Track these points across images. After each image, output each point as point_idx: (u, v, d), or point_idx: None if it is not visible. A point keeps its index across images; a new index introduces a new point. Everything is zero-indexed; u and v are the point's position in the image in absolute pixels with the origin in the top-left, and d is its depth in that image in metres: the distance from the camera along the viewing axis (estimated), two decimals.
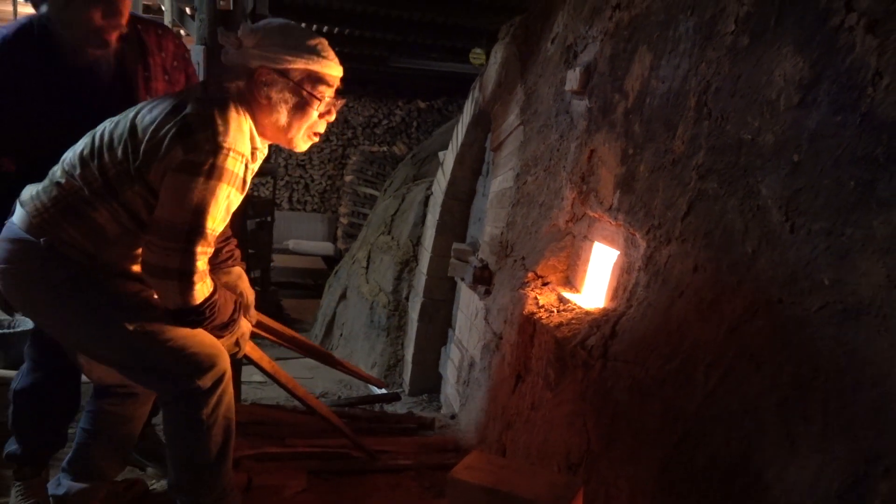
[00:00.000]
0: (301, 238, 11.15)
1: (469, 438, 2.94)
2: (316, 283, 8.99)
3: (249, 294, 2.08)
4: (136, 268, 1.72)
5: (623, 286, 1.96)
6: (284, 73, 1.69)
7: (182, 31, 7.61)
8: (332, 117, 1.81)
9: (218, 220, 1.63)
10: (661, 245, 1.78)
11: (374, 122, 11.55)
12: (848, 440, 1.10)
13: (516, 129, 3.34)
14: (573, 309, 2.26)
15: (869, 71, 1.20)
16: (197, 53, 3.11)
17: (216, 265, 1.98)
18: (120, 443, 2.03)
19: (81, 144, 1.73)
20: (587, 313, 2.14)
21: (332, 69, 1.74)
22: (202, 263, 1.61)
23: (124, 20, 1.93)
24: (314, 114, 1.76)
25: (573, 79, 2.54)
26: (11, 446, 2.10)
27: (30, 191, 1.73)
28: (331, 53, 1.74)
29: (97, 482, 1.99)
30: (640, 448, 1.62)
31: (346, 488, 2.37)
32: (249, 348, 1.98)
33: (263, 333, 2.08)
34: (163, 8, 5.92)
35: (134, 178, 1.64)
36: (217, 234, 1.65)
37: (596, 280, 2.32)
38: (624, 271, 2.00)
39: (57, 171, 1.72)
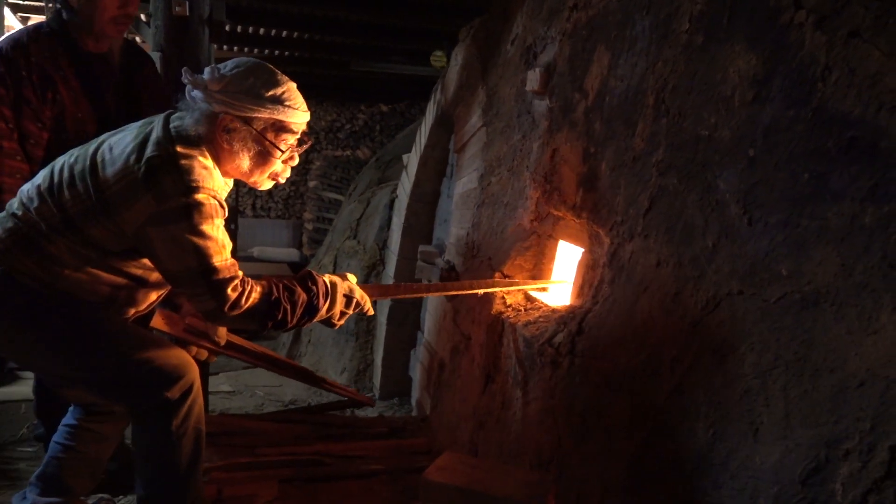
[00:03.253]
0: (266, 245, 11.02)
1: (441, 440, 2.94)
2: None
3: None
4: (92, 296, 1.71)
5: (588, 283, 1.98)
6: (248, 122, 1.68)
7: (137, 38, 7.49)
8: (295, 162, 1.82)
9: (221, 250, 1.62)
10: (624, 241, 1.80)
11: (337, 126, 11.47)
12: (809, 426, 1.13)
13: (479, 131, 3.36)
14: (540, 307, 2.27)
15: (819, 66, 1.23)
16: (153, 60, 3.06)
17: None
18: (92, 461, 2.00)
19: (40, 178, 1.72)
20: (554, 311, 2.16)
21: (297, 117, 1.73)
22: (232, 290, 1.62)
23: (134, 9, 2.25)
24: (277, 161, 1.76)
25: (534, 79, 2.56)
26: (39, 429, 2.36)
27: None
28: (297, 100, 1.73)
29: (65, 498, 1.95)
30: (611, 443, 1.64)
31: (319, 495, 2.35)
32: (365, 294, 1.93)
33: (234, 354, 2.04)
34: None
35: (100, 217, 1.62)
36: (230, 259, 1.65)
37: (562, 278, 2.34)
38: (589, 268, 2.02)
39: (14, 203, 1.71)
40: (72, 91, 2.22)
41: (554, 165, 2.36)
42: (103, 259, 1.67)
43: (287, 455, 2.60)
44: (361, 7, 5.88)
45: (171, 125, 1.68)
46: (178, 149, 1.61)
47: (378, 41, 7.17)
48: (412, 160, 5.06)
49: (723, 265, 1.40)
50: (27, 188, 1.72)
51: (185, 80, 1.70)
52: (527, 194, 2.57)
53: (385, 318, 5.07)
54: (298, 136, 1.78)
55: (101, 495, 2.18)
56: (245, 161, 1.73)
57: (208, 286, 1.60)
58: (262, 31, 7.12)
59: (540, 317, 2.19)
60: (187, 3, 2.97)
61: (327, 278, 1.80)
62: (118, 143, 1.67)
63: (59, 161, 1.72)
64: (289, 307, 1.69)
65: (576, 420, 1.80)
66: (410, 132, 7.78)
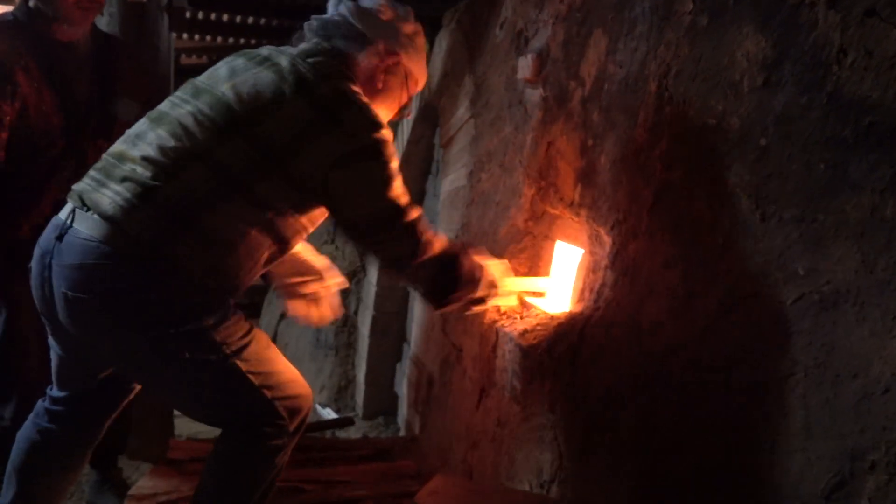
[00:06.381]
0: None
1: (431, 462, 2.94)
2: (253, 302, 8.82)
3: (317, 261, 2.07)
4: (234, 279, 1.64)
5: (590, 287, 1.99)
6: (399, 62, 1.77)
7: None
8: (404, 117, 1.93)
9: (405, 190, 1.68)
10: (627, 241, 1.81)
11: None
12: (831, 437, 1.14)
13: (467, 123, 3.36)
14: (537, 314, 2.28)
15: (833, 48, 1.24)
16: None
17: None
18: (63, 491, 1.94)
19: (164, 137, 1.55)
20: (553, 318, 2.16)
21: (425, 73, 1.87)
22: (422, 229, 1.67)
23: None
24: (399, 109, 1.87)
25: (525, 66, 2.57)
26: None
27: (111, 199, 1.51)
28: None
29: None
30: (617, 460, 1.65)
31: None
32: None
33: None
34: None
35: (268, 171, 1.55)
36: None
37: (560, 282, 2.34)
38: (590, 271, 2.02)
39: (142, 172, 1.52)
40: (34, 82, 2.26)
41: (549, 160, 2.37)
42: (277, 216, 1.61)
43: None
44: None
45: (308, 59, 1.63)
46: (339, 84, 1.61)
47: None
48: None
49: (735, 265, 1.41)
50: (150, 152, 1.54)
51: (344, 8, 1.73)
52: (520, 191, 2.58)
53: (367, 330, 5.06)
54: None
55: None
56: (384, 105, 1.79)
57: (403, 227, 1.63)
58: (225, 17, 7.10)
59: (537, 325, 2.19)
60: None
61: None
62: (246, 84, 1.57)
63: (174, 114, 1.57)
64: (464, 267, 1.74)
65: (578, 436, 1.81)
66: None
